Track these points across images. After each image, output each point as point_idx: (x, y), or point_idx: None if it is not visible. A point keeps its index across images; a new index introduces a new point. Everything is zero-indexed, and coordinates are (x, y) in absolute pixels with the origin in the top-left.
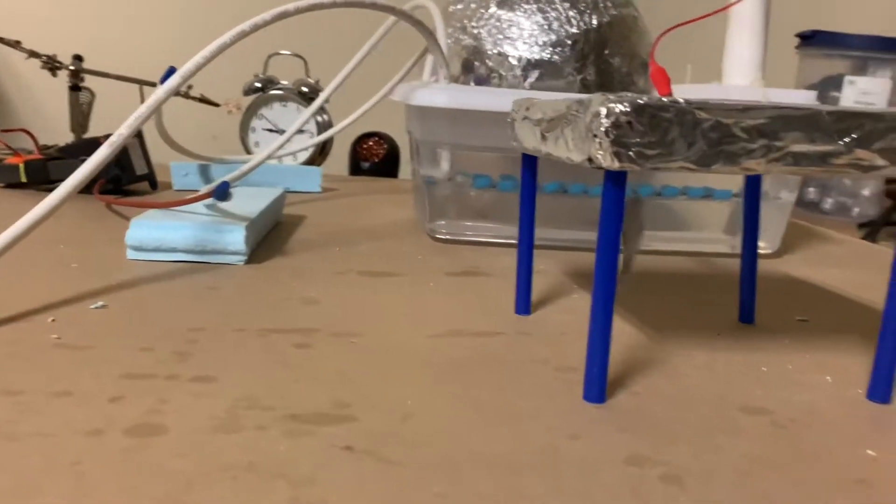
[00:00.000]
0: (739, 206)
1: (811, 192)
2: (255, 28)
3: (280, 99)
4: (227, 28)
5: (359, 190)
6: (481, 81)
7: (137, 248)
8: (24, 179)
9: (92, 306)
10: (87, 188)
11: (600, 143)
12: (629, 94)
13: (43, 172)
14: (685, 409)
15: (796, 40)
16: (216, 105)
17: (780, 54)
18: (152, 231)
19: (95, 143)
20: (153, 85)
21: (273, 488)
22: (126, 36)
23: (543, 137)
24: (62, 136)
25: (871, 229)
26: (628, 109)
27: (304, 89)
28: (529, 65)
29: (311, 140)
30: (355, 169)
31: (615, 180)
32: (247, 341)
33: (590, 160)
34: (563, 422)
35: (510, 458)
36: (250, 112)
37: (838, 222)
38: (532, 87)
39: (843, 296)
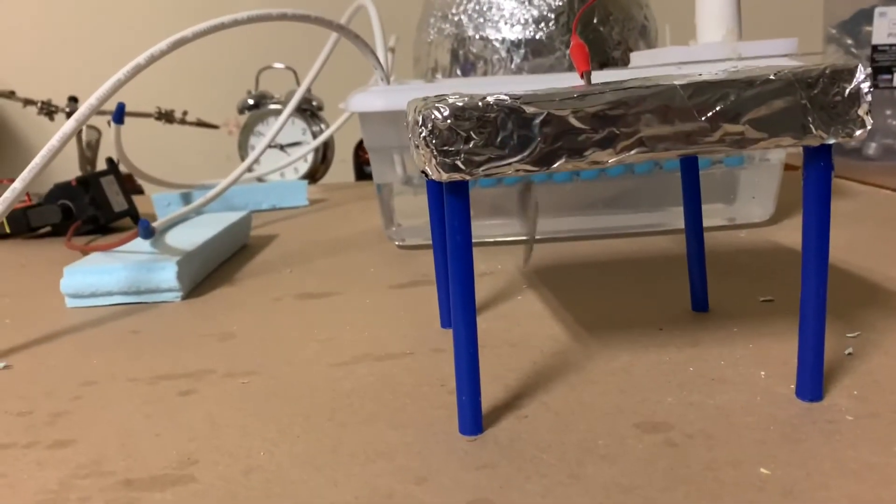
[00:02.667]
0: (735, 171)
1: None
2: (152, 60)
3: (275, 114)
4: (222, 62)
5: (349, 198)
6: (468, 70)
7: (74, 296)
8: (7, 230)
9: None
10: (61, 231)
11: (423, 154)
12: (452, 96)
13: (23, 221)
14: (568, 430)
15: None
16: (215, 127)
17: None
18: (85, 277)
19: (68, 187)
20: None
21: None
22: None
23: (415, 146)
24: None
25: None
26: (447, 114)
27: None
28: (513, 45)
29: (291, 157)
30: (360, 174)
31: (452, 191)
32: (132, 392)
33: (424, 173)
34: (419, 461)
35: None
36: (247, 130)
37: (886, 167)
38: (518, 69)
39: (834, 266)
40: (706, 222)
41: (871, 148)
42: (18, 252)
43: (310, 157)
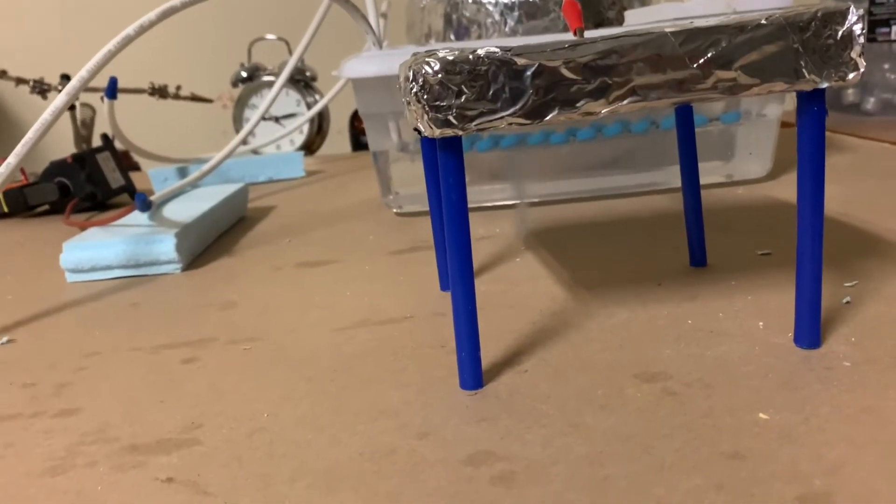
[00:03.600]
0: (732, 128)
1: (850, 94)
2: (141, 30)
3: (269, 86)
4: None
5: (346, 168)
6: (462, 34)
7: (74, 271)
8: (5, 209)
9: None
10: (59, 209)
11: (415, 111)
12: (443, 50)
13: (21, 200)
14: (567, 384)
15: None
16: (209, 101)
17: None
18: (85, 252)
19: (64, 164)
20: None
21: None
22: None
23: (407, 102)
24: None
25: None
26: (437, 68)
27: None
28: (507, 8)
29: (287, 129)
30: (357, 145)
31: (446, 147)
32: (136, 362)
33: (417, 130)
34: (421, 417)
35: (338, 469)
36: (241, 103)
37: (885, 122)
38: (513, 32)
39: (832, 218)
40: (705, 180)
41: (870, 103)
42: (17, 231)
43: (305, 129)
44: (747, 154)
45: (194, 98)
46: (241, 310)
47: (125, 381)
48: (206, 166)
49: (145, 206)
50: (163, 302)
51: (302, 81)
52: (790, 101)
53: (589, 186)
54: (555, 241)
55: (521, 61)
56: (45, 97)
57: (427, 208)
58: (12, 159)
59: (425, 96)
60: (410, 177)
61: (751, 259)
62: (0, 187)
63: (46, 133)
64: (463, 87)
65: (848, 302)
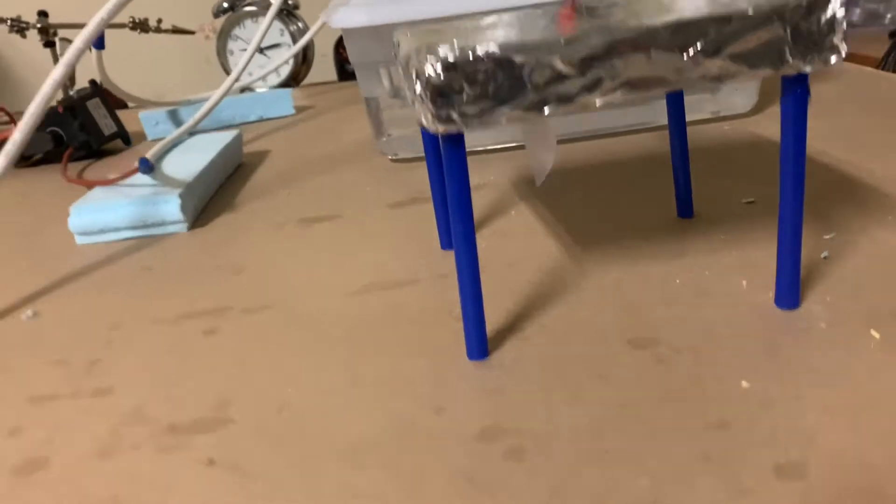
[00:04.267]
0: None
1: None
2: None
3: (252, 16)
4: None
5: (335, 103)
6: None
7: (83, 234)
8: None
9: (23, 317)
10: (52, 158)
11: (419, 109)
12: (442, 47)
13: None
14: (566, 351)
15: None
16: (191, 33)
17: None
18: (93, 215)
19: (56, 113)
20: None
21: None
22: None
23: (411, 101)
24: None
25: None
26: (439, 69)
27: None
28: None
29: (273, 62)
30: (342, 73)
31: (449, 141)
32: (158, 334)
33: (421, 125)
34: (434, 390)
35: (365, 446)
36: (224, 35)
37: (869, 34)
38: None
39: (812, 159)
40: (691, 116)
41: (856, 14)
42: (15, 183)
43: (290, 60)
44: (733, 89)
45: (176, 30)
46: (250, 274)
47: (151, 356)
48: (200, 112)
49: (148, 168)
50: (174, 265)
51: (284, 10)
52: None
53: (578, 127)
54: (547, 188)
55: (518, 59)
56: (23, 35)
57: (422, 154)
58: (18, 135)
59: (429, 94)
60: (404, 119)
61: (736, 208)
62: (8, 167)
63: (50, 102)
64: (465, 85)
65: (826, 257)
